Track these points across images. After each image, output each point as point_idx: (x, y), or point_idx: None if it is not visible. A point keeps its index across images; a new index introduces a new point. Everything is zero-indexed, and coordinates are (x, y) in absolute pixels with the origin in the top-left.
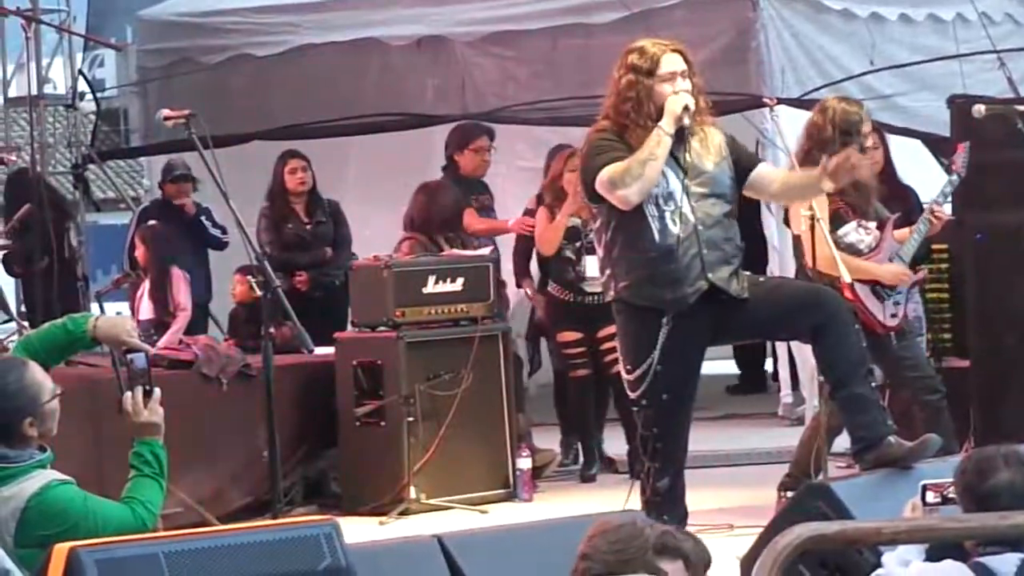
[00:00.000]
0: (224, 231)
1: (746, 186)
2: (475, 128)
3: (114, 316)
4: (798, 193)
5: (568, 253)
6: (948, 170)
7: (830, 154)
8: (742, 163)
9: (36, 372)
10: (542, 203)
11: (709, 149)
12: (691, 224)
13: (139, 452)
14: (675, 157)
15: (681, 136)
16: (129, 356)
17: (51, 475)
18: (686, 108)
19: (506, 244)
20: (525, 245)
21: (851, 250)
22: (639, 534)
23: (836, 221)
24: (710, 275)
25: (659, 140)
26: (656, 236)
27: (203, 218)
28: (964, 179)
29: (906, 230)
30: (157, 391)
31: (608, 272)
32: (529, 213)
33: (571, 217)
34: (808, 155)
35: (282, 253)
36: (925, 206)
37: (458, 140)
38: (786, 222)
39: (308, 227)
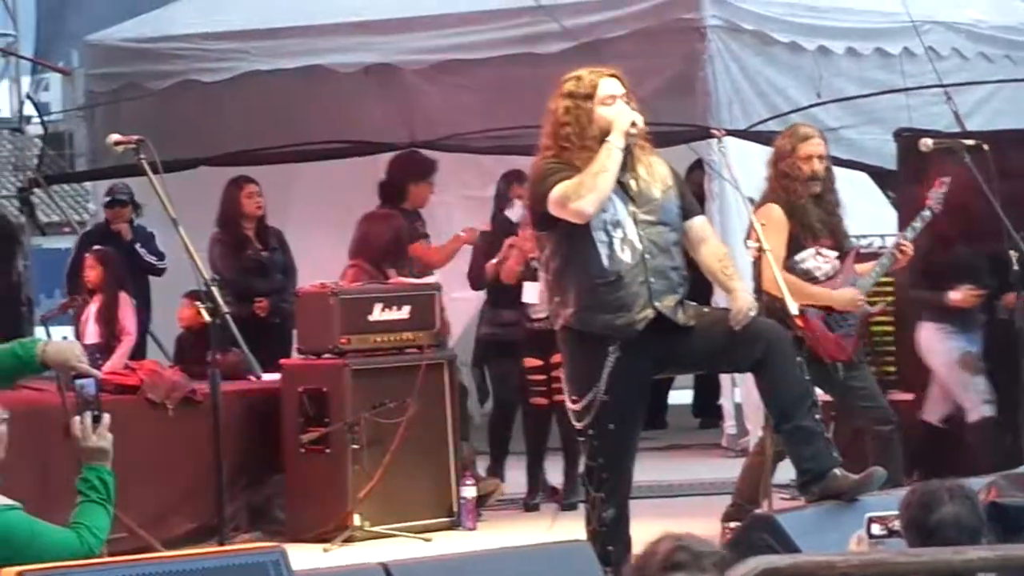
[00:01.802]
0: (162, 257)
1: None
2: (430, 161)
3: (63, 341)
4: (708, 275)
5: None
6: (920, 204)
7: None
8: (684, 204)
9: None
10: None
11: (655, 177)
12: (639, 252)
13: (86, 478)
14: (621, 184)
15: (626, 164)
16: (78, 382)
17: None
18: (633, 123)
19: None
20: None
21: (807, 276)
22: (653, 552)
23: (794, 246)
24: (657, 303)
25: (610, 153)
26: (605, 262)
27: (138, 244)
28: (909, 211)
29: (869, 264)
30: (106, 417)
31: (556, 300)
32: (484, 235)
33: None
34: (771, 180)
35: (242, 279)
36: (892, 239)
37: (416, 171)
38: (746, 244)
39: (264, 253)
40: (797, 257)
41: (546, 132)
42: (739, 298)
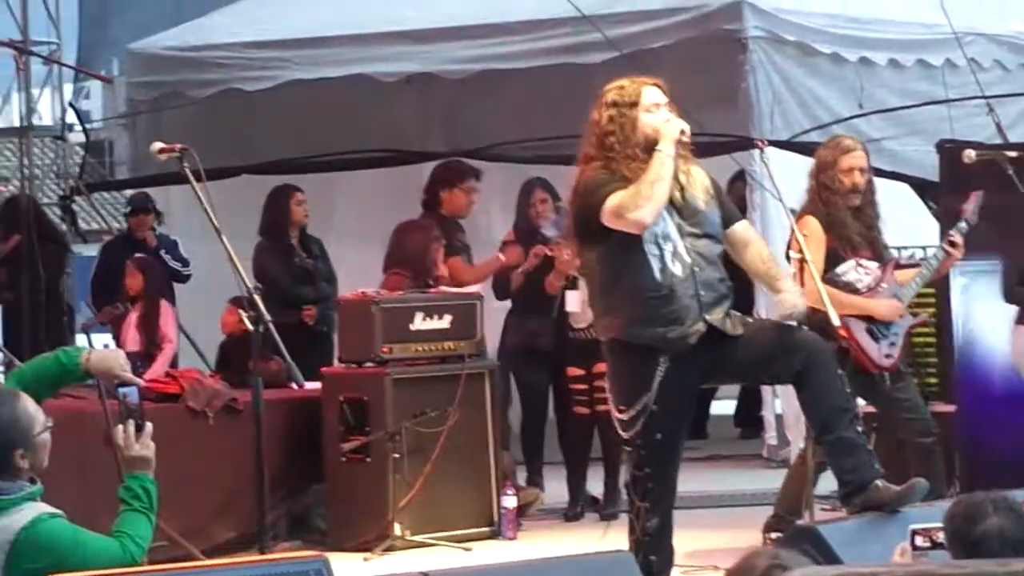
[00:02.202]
0: (187, 263)
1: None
2: (466, 167)
3: (106, 349)
4: (754, 278)
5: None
6: (956, 216)
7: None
8: (724, 212)
9: (28, 404)
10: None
11: (698, 188)
12: (688, 265)
13: (129, 486)
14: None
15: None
16: (121, 390)
17: (41, 508)
18: (683, 131)
19: None
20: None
21: (848, 288)
22: (750, 567)
23: (833, 259)
24: (707, 316)
25: (663, 161)
26: (657, 276)
27: (163, 251)
28: (951, 223)
29: (910, 271)
30: (149, 425)
31: (603, 311)
32: (506, 245)
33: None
34: (811, 191)
35: (291, 287)
36: (931, 251)
37: (447, 177)
38: (787, 256)
39: (310, 261)
40: (838, 270)
41: (589, 142)
42: (785, 299)
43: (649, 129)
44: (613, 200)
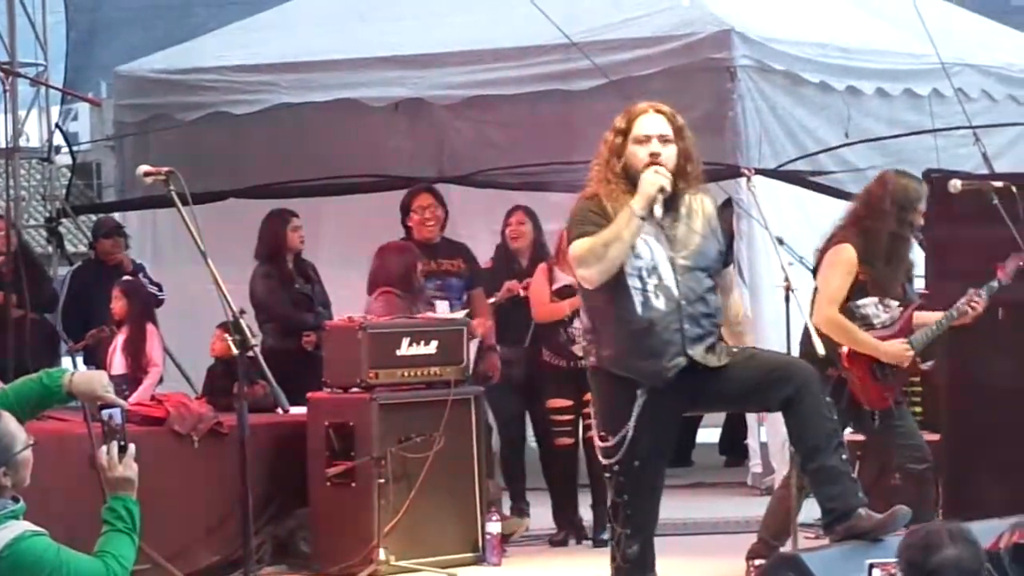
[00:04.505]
0: (160, 288)
1: None
2: (417, 188)
3: (90, 371)
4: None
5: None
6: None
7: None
8: (726, 248)
9: (9, 422)
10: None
11: (698, 220)
12: (675, 299)
13: (112, 507)
14: (662, 227)
15: (669, 205)
16: (105, 412)
17: (24, 526)
18: (661, 190)
19: None
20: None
21: (864, 322)
22: None
23: (858, 291)
24: (690, 351)
25: (628, 220)
26: (639, 309)
27: (140, 275)
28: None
29: (931, 315)
30: (132, 447)
31: (589, 339)
32: (483, 273)
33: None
34: (859, 222)
35: (292, 313)
36: (960, 302)
37: (404, 204)
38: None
39: (309, 287)
40: (859, 302)
41: (594, 163)
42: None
43: (634, 159)
44: (573, 249)
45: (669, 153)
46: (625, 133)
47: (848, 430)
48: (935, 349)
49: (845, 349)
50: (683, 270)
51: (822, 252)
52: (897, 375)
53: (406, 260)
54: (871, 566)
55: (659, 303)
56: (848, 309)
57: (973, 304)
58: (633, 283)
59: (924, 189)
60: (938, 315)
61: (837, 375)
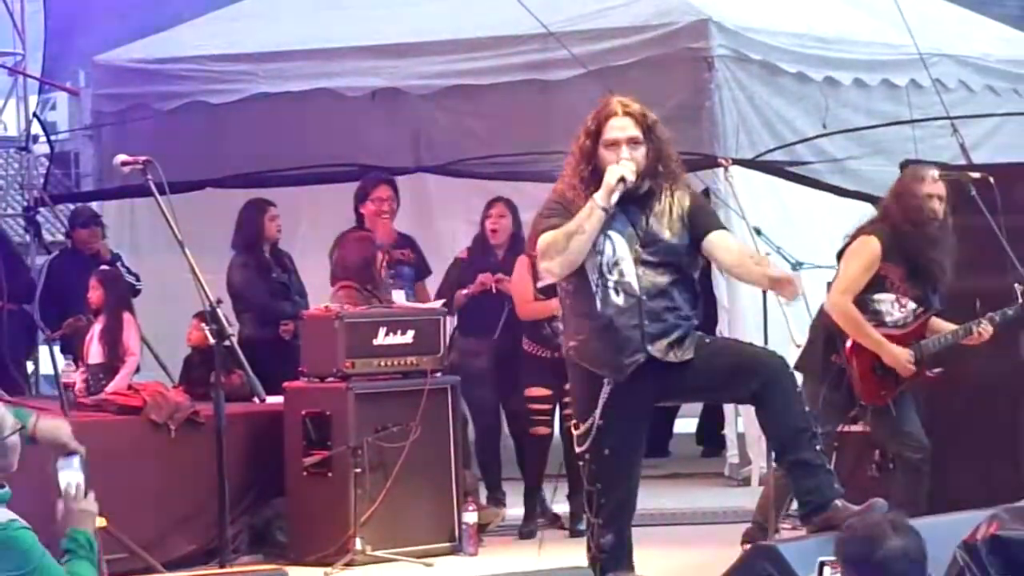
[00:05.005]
0: (138, 278)
1: (701, 249)
2: (375, 177)
3: (56, 419)
4: (746, 280)
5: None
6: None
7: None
8: (698, 227)
9: None
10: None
11: (671, 217)
12: (635, 295)
13: (75, 538)
14: (632, 223)
15: (642, 201)
16: (69, 456)
17: (11, 514)
18: (621, 179)
19: None
20: (458, 276)
21: (875, 317)
22: None
23: (876, 284)
24: (649, 347)
25: (590, 212)
26: (597, 304)
27: (118, 264)
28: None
29: (946, 324)
30: (91, 493)
31: (563, 327)
32: (457, 262)
33: None
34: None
35: (271, 302)
36: (974, 323)
37: (359, 193)
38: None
39: (286, 276)
40: (875, 296)
41: (569, 158)
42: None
43: (603, 162)
44: (541, 241)
45: (639, 155)
46: (596, 135)
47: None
48: (945, 357)
49: (850, 340)
50: (647, 265)
51: (851, 239)
52: (901, 378)
53: (365, 252)
54: (822, 564)
55: (618, 299)
56: (862, 300)
57: (983, 331)
58: (593, 278)
59: (929, 177)
60: (953, 326)
61: (840, 363)
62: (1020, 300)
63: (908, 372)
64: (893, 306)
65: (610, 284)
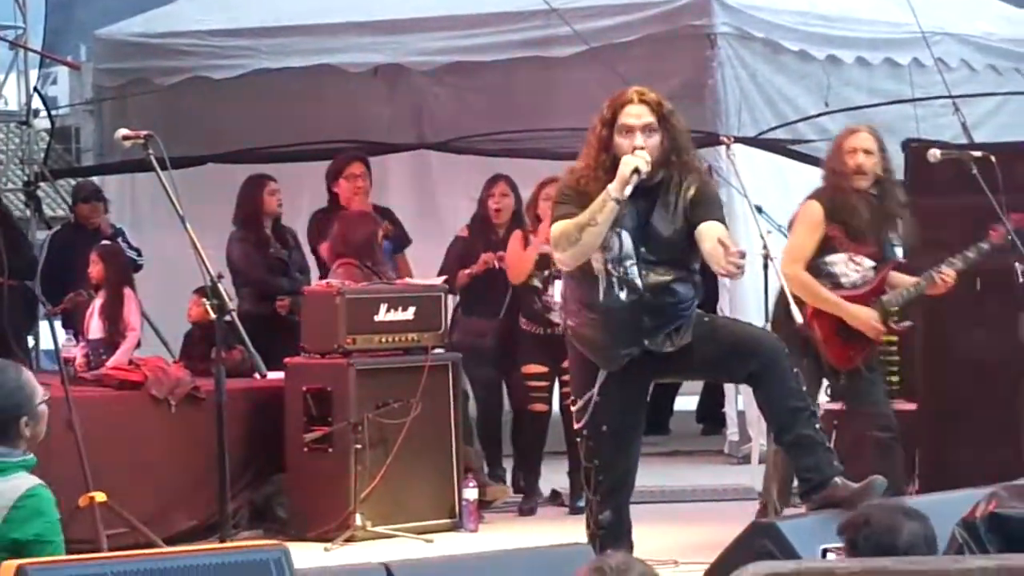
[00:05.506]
0: (139, 253)
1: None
2: (348, 155)
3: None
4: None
5: (536, 282)
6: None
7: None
8: (694, 218)
9: (28, 373)
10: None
11: (675, 211)
12: (638, 291)
13: None
14: (640, 222)
15: (655, 196)
16: None
17: (37, 479)
18: (636, 171)
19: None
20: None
21: (831, 281)
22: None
23: (826, 248)
24: (646, 341)
25: (603, 204)
26: (600, 296)
27: (119, 239)
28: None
29: (906, 278)
30: None
31: (565, 306)
32: (458, 240)
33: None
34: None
35: (267, 278)
36: (933, 270)
37: (333, 170)
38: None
39: (284, 251)
40: (827, 259)
41: (585, 143)
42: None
43: (621, 153)
44: (553, 230)
45: (653, 143)
46: (611, 123)
47: (823, 398)
48: (911, 311)
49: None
50: (650, 263)
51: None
52: (867, 338)
53: (367, 229)
54: (824, 551)
55: (621, 294)
56: (815, 266)
57: (944, 277)
58: (599, 270)
59: (847, 131)
60: (913, 279)
61: (805, 336)
62: (1021, 279)
63: (874, 331)
64: (848, 266)
65: (615, 279)
